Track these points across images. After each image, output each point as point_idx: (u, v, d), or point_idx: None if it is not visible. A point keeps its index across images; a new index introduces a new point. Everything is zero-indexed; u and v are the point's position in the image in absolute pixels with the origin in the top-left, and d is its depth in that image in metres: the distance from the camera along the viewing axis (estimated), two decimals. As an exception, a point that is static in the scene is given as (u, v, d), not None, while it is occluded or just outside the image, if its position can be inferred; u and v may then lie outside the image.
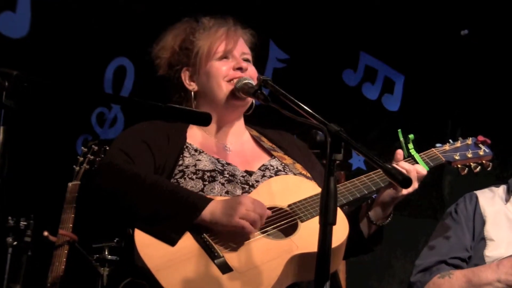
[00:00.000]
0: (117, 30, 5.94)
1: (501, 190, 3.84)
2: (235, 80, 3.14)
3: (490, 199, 3.81)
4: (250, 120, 3.38)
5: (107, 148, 4.92)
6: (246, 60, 3.24)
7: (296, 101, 2.65)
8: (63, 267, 4.52)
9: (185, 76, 3.29)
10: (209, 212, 2.74)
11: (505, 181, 3.81)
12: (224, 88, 3.16)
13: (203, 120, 2.64)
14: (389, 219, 3.14)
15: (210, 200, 2.79)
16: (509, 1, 7.20)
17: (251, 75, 3.16)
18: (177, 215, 2.75)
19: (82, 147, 5.07)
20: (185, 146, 3.10)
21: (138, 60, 6.11)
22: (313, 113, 2.54)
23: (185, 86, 3.29)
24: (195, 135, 3.21)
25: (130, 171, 2.89)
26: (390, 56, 7.76)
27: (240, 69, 3.16)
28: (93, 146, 4.98)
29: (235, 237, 2.77)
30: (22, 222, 4.86)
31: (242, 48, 3.25)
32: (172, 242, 2.71)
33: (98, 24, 5.85)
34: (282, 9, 6.73)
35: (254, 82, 3.02)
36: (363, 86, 7.68)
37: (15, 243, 4.81)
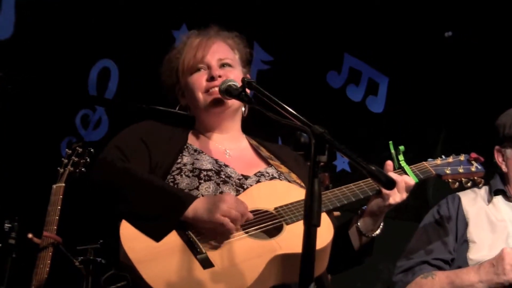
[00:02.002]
0: (101, 32, 5.94)
1: (483, 191, 3.86)
2: (213, 90, 3.16)
3: (472, 200, 3.84)
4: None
5: (91, 150, 4.93)
6: (226, 65, 3.25)
7: (280, 103, 2.66)
8: (47, 269, 4.51)
9: (178, 93, 3.35)
10: (192, 209, 2.77)
11: (487, 183, 3.83)
12: (202, 100, 3.19)
13: (186, 122, 2.65)
14: (379, 231, 3.13)
15: (195, 198, 2.82)
16: (493, 3, 7.24)
17: (232, 78, 3.16)
18: (163, 211, 2.78)
19: (67, 149, 5.05)
20: (185, 146, 3.14)
21: (122, 62, 6.11)
22: (297, 115, 2.55)
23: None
24: (196, 137, 3.25)
25: (121, 166, 2.93)
26: (374, 58, 7.79)
27: (212, 78, 3.18)
28: (77, 148, 4.97)
29: (218, 235, 2.79)
30: (6, 224, 4.83)
31: (218, 55, 3.25)
32: (157, 238, 2.73)
33: (83, 26, 5.84)
34: (266, 11, 6.74)
35: (238, 84, 3.03)
36: (347, 88, 7.71)
37: (-1, 245, 4.80)
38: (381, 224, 3.13)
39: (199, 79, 3.21)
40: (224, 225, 2.74)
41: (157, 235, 2.74)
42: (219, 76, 3.17)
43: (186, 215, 2.76)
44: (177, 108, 3.34)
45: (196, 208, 2.77)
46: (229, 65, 3.25)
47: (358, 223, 3.10)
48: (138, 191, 2.83)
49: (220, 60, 3.24)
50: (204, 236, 2.79)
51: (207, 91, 3.18)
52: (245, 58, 3.42)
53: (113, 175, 2.90)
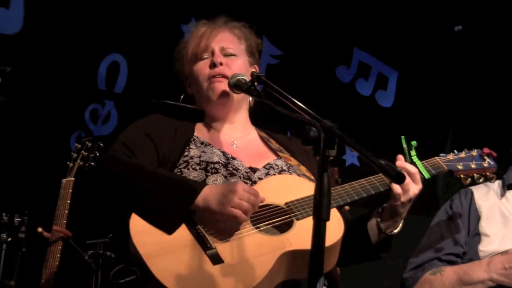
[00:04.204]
0: (110, 26, 5.94)
1: (496, 185, 3.83)
2: (216, 78, 3.16)
3: (485, 194, 3.81)
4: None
5: (101, 144, 4.93)
6: (230, 54, 3.24)
7: (289, 97, 2.65)
8: (57, 263, 4.51)
9: (185, 82, 3.36)
10: (202, 198, 2.76)
11: (500, 177, 3.81)
12: (205, 88, 3.19)
13: (196, 116, 2.65)
14: (399, 229, 3.08)
15: (204, 185, 2.81)
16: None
17: (235, 68, 3.17)
18: (173, 201, 2.77)
19: (76, 144, 5.06)
20: (192, 139, 3.13)
21: (131, 56, 6.11)
22: (307, 109, 2.53)
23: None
24: (203, 129, 3.25)
25: (129, 162, 2.94)
26: (384, 52, 7.76)
27: (214, 65, 3.17)
28: (86, 142, 4.97)
29: (228, 229, 2.78)
30: (16, 219, 4.85)
31: (222, 43, 3.25)
32: (168, 230, 2.73)
33: (92, 20, 5.85)
34: (276, 6, 6.73)
35: (247, 78, 3.01)
36: (356, 82, 7.69)
37: (9, 239, 4.80)
38: (402, 222, 3.09)
39: (203, 67, 3.21)
40: (237, 217, 2.74)
41: (168, 227, 2.73)
42: (221, 64, 3.16)
43: (196, 203, 2.76)
44: (182, 96, 3.33)
45: (206, 197, 2.76)
46: (233, 55, 3.24)
47: (379, 219, 3.07)
48: (146, 184, 2.83)
49: (223, 49, 3.23)
50: (214, 231, 2.78)
51: (209, 78, 3.18)
52: (254, 48, 3.40)
53: (121, 171, 2.90)
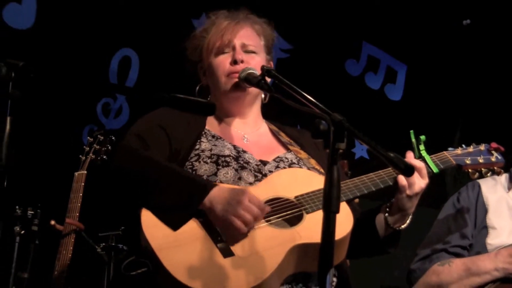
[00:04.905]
0: (122, 21, 5.95)
1: (503, 178, 3.83)
2: (233, 75, 3.14)
3: (492, 187, 3.81)
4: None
5: (113, 138, 4.94)
6: (250, 51, 3.22)
7: (299, 90, 2.64)
8: (69, 255, 4.53)
9: (199, 71, 3.32)
10: (209, 200, 2.75)
11: (507, 170, 3.80)
12: (223, 83, 3.17)
13: (207, 110, 2.64)
14: (407, 224, 3.07)
15: (213, 186, 2.80)
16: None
17: (253, 65, 3.14)
18: (181, 200, 2.77)
19: (88, 137, 5.08)
20: (203, 132, 3.12)
21: (142, 51, 6.12)
22: (317, 102, 2.53)
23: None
24: (214, 123, 3.23)
25: (141, 154, 2.94)
26: (393, 46, 7.76)
27: (235, 62, 3.16)
28: (98, 136, 4.99)
29: (228, 235, 2.76)
30: (29, 212, 4.87)
31: (243, 40, 3.22)
32: (174, 227, 2.73)
33: (103, 15, 5.86)
34: (286, 1, 6.72)
35: (258, 72, 3.01)
36: (365, 76, 7.69)
37: (22, 232, 4.83)
38: (409, 218, 3.07)
39: (223, 62, 3.18)
40: (236, 229, 2.72)
41: (174, 224, 2.73)
42: (242, 61, 3.15)
43: (203, 204, 2.75)
44: (198, 87, 3.32)
45: (214, 200, 2.75)
46: (253, 52, 3.23)
47: (387, 214, 3.06)
48: (156, 179, 2.83)
49: (244, 46, 3.21)
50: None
51: (228, 75, 3.17)
52: (270, 44, 3.39)
53: (133, 164, 2.90)
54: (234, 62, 3.15)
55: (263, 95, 3.30)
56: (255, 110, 3.31)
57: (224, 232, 2.76)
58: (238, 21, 3.27)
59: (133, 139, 3.04)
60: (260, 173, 3.02)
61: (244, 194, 2.76)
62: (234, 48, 3.19)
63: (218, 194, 2.77)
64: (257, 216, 2.75)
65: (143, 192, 2.83)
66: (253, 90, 3.18)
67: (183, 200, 2.77)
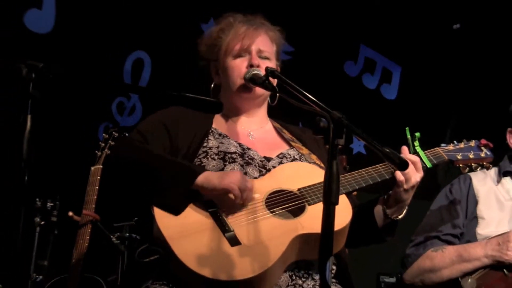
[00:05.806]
0: (135, 25, 5.95)
1: (492, 172, 3.84)
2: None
3: (482, 180, 3.82)
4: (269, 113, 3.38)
5: (126, 134, 4.94)
6: (264, 57, 3.20)
7: (301, 90, 2.64)
8: (86, 244, 4.53)
9: (212, 69, 3.29)
10: (203, 176, 2.76)
11: (497, 164, 3.81)
12: (237, 84, 3.15)
13: (214, 108, 2.64)
14: (403, 214, 3.07)
15: (205, 169, 2.84)
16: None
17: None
18: (175, 180, 2.77)
19: (104, 134, 5.07)
20: (210, 130, 3.12)
21: (154, 53, 6.13)
22: (317, 101, 2.53)
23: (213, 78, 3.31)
24: (221, 121, 3.22)
25: (137, 144, 2.96)
26: (388, 49, 7.78)
27: (251, 66, 3.14)
28: (113, 132, 4.98)
29: (245, 214, 2.79)
30: (48, 203, 4.89)
31: (260, 46, 3.20)
32: (175, 210, 2.74)
33: (118, 20, 5.87)
34: (288, 6, 6.72)
35: (262, 73, 3.00)
36: (363, 77, 7.70)
37: (42, 222, 4.84)
38: (406, 208, 3.08)
39: (240, 65, 3.15)
40: (234, 192, 2.73)
41: (173, 206, 2.74)
42: (258, 66, 3.13)
43: (197, 182, 2.75)
44: (212, 85, 3.30)
45: (208, 176, 2.77)
46: (267, 58, 3.21)
47: (385, 206, 3.07)
48: (150, 164, 2.84)
49: (260, 51, 3.19)
50: (233, 215, 2.79)
51: (244, 77, 3.14)
52: (280, 50, 3.37)
53: (128, 152, 2.93)
54: (251, 66, 3.14)
55: (269, 99, 3.28)
56: (263, 111, 3.30)
57: (221, 203, 2.78)
58: (256, 27, 3.24)
59: (135, 135, 3.06)
60: (264, 168, 3.01)
61: (237, 171, 2.81)
62: (250, 53, 3.18)
63: (212, 172, 2.81)
64: (250, 188, 2.78)
65: (138, 177, 2.83)
66: (263, 93, 3.17)
67: (177, 180, 2.77)
